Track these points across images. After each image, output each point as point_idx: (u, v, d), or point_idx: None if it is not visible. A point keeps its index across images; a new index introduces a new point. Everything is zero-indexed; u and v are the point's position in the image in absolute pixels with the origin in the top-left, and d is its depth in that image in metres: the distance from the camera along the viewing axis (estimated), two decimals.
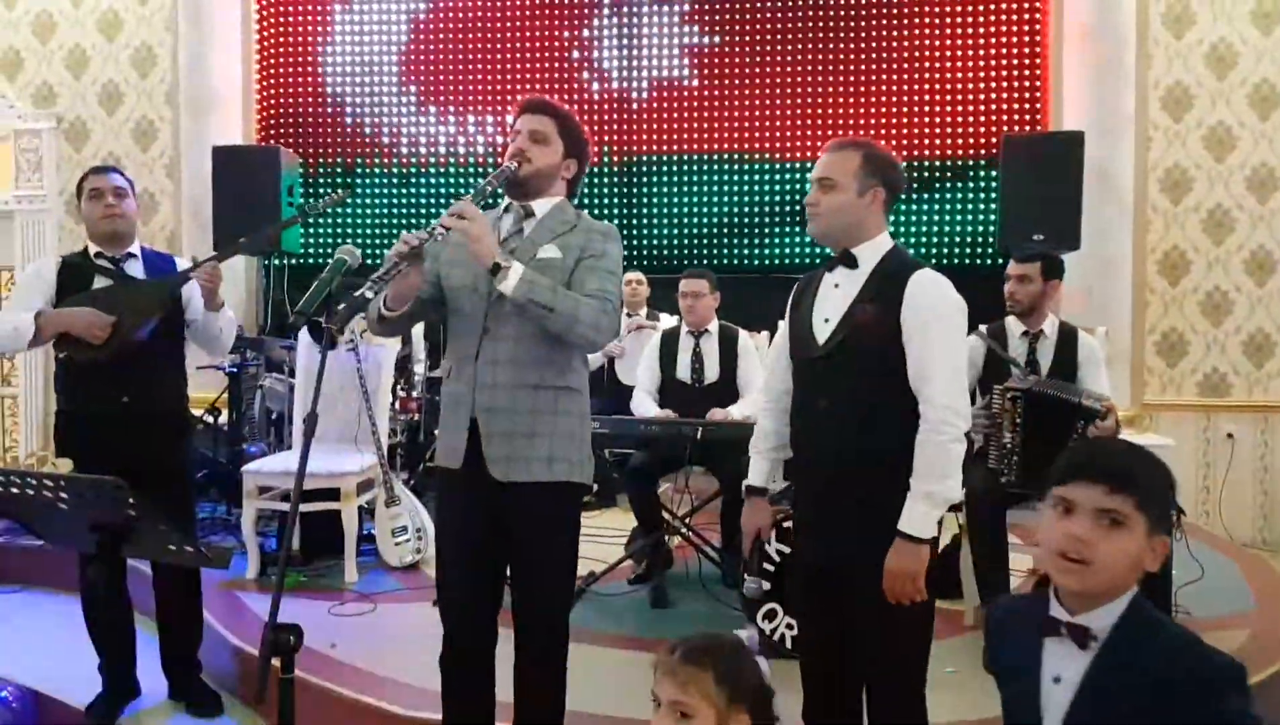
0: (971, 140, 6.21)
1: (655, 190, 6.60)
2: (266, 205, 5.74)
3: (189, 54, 6.63)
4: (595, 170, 6.57)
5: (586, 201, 6.58)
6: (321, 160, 6.86)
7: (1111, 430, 3.39)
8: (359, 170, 6.83)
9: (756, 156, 6.47)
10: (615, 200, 6.63)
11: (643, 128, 6.59)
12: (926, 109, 6.27)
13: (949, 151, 6.24)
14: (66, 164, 6.72)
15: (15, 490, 2.14)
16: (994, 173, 6.04)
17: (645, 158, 6.60)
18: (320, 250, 6.82)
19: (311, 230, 6.80)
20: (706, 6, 6.49)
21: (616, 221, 6.52)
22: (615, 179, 6.62)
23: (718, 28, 6.49)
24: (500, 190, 2.53)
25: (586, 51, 6.64)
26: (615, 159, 6.60)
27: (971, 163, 6.21)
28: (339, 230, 6.84)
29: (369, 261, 2.37)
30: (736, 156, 6.48)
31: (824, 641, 2.37)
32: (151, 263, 3.38)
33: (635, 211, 6.62)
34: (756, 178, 6.49)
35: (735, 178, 6.50)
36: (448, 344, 2.56)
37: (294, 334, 5.21)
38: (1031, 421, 3.47)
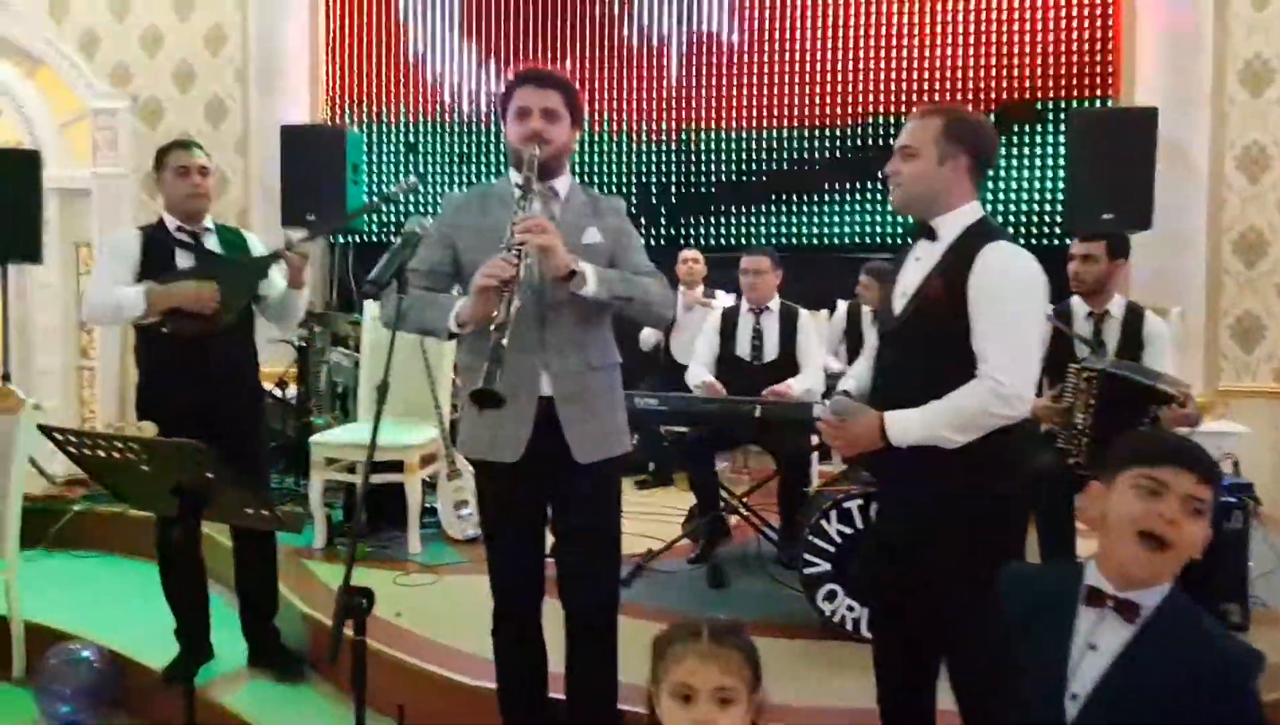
0: (1036, 110, 6.04)
1: (711, 166, 6.56)
2: (333, 183, 5.84)
3: (259, 32, 6.74)
4: (652, 144, 6.57)
5: (640, 178, 6.58)
6: (386, 135, 6.92)
7: (1191, 418, 3.27)
8: (424, 130, 6.88)
9: (813, 123, 6.38)
10: (672, 176, 6.60)
11: (697, 102, 6.54)
12: (990, 81, 6.12)
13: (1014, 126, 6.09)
14: (141, 142, 6.88)
15: (101, 453, 2.22)
16: (1061, 150, 5.91)
17: (701, 132, 6.55)
18: (386, 229, 6.91)
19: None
20: None
21: (672, 198, 6.52)
22: (672, 155, 6.60)
23: None
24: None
25: (632, 17, 6.60)
26: (673, 135, 6.56)
27: (1039, 139, 6.07)
28: (402, 207, 6.89)
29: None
30: (793, 128, 6.41)
31: (894, 615, 2.36)
32: (225, 237, 3.47)
33: (693, 187, 6.59)
34: (813, 144, 6.40)
35: (792, 146, 6.42)
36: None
37: (361, 307, 5.29)
38: (1104, 403, 3.39)
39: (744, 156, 6.50)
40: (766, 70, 6.44)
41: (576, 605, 2.55)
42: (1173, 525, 1.60)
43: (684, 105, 6.57)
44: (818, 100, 6.37)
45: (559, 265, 2.29)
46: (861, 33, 6.28)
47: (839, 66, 6.32)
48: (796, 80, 6.40)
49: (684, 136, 6.58)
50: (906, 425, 2.16)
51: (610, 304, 2.39)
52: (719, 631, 1.62)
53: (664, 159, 6.63)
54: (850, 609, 3.47)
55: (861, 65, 6.29)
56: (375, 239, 6.82)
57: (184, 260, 3.34)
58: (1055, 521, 3.52)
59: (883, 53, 6.27)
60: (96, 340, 6.99)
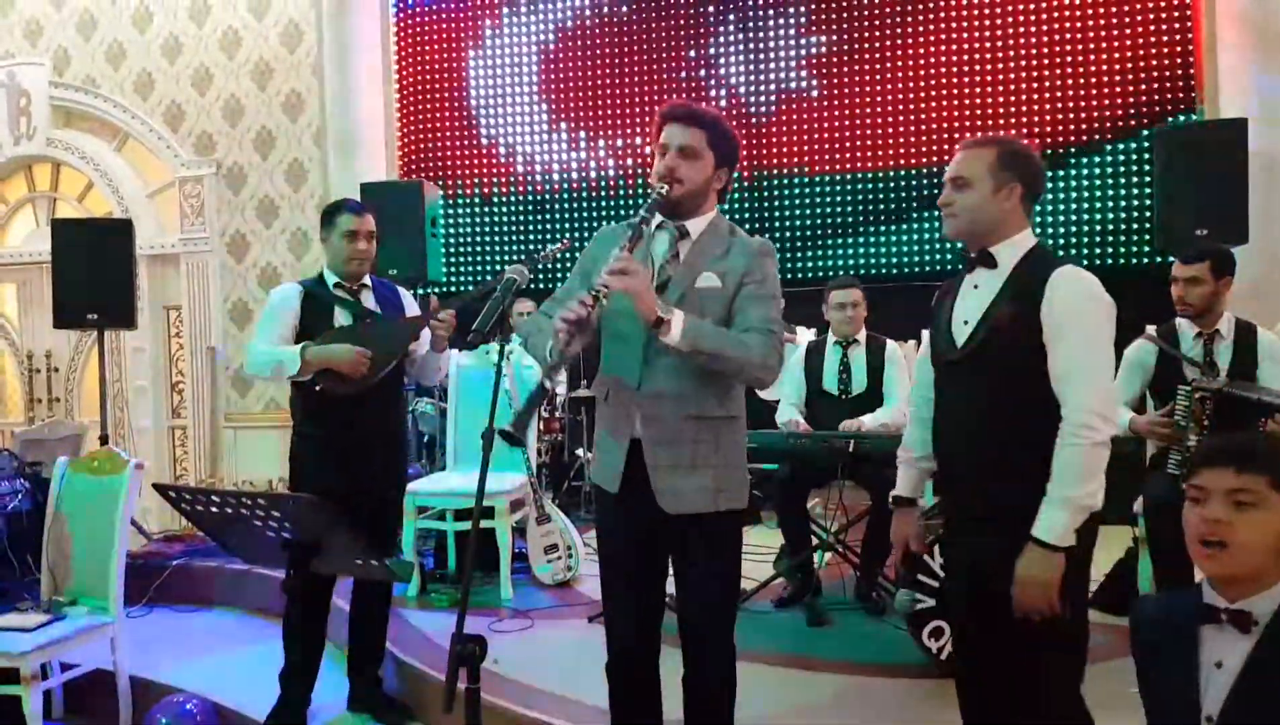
0: (1119, 128, 5.94)
1: (785, 199, 6.56)
2: (412, 236, 5.95)
3: (334, 97, 6.96)
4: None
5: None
6: (460, 189, 7.08)
7: None
8: (495, 198, 7.03)
9: (887, 162, 6.36)
10: (746, 207, 6.61)
11: (771, 143, 6.57)
12: (1068, 95, 6.03)
13: (1094, 137, 5.98)
14: (225, 207, 7.11)
15: (214, 509, 2.26)
16: (1146, 166, 5.79)
17: (774, 173, 6.58)
18: (461, 278, 7.03)
19: (453, 259, 7.00)
20: (825, 12, 6.46)
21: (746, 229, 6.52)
22: (745, 190, 6.61)
23: (836, 31, 6.45)
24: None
25: (712, 68, 6.69)
26: (745, 176, 6.58)
27: (1121, 155, 5.95)
28: (478, 257, 7.04)
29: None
30: (867, 170, 6.40)
31: (978, 656, 2.29)
32: (381, 293, 3.55)
33: (765, 218, 6.59)
34: (888, 183, 6.36)
35: (866, 184, 6.40)
36: (602, 361, 2.52)
37: (462, 350, 5.32)
38: (1218, 424, 3.27)
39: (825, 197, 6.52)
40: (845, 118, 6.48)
41: (691, 654, 2.44)
42: (1220, 525, 1.60)
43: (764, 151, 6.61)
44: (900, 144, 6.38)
45: (644, 311, 2.21)
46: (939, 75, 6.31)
47: (916, 110, 6.34)
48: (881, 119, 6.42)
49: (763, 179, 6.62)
50: (1052, 524, 2.06)
51: (694, 356, 2.27)
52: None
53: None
54: None
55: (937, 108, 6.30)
56: (453, 288, 6.95)
57: (342, 317, 3.41)
58: (1172, 549, 3.37)
59: (958, 90, 6.26)
60: (187, 401, 7.20)
